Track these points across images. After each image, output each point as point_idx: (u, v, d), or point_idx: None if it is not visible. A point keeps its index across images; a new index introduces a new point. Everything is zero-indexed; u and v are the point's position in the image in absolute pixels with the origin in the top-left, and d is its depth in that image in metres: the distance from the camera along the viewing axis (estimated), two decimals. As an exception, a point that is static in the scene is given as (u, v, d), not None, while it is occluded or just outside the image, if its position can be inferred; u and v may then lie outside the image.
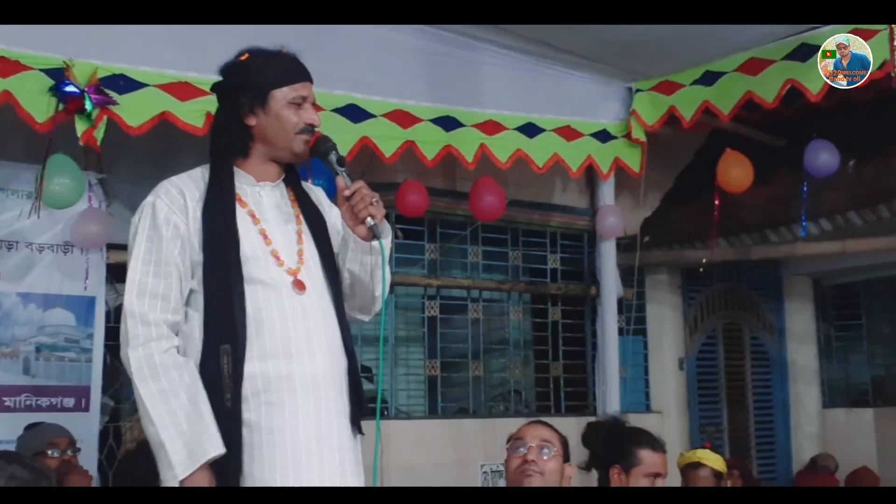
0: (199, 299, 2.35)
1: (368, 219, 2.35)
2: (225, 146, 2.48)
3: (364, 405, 2.48)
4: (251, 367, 2.31)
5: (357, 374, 2.47)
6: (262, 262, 2.37)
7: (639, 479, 3.35)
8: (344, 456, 2.37)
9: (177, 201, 2.39)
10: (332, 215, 2.57)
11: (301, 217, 2.49)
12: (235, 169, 2.47)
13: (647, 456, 3.36)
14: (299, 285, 2.38)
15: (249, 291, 2.34)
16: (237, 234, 2.36)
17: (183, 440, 2.20)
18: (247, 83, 2.47)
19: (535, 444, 3.09)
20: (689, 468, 4.01)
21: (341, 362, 2.42)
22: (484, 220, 5.43)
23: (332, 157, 2.41)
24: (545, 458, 3.08)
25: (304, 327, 2.36)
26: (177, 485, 2.18)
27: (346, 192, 2.39)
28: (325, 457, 2.33)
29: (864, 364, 7.55)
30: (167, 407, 2.22)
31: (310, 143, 2.45)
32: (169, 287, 2.32)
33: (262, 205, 2.46)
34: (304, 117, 2.45)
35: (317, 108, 2.52)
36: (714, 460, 4.00)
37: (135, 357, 2.26)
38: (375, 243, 2.40)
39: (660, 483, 3.38)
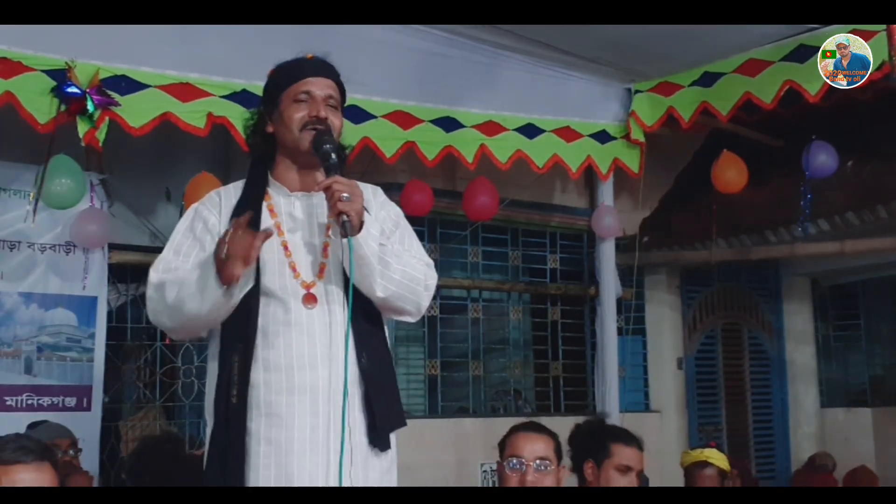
0: None
1: (343, 216, 2.28)
2: (254, 158, 2.53)
3: (385, 419, 2.42)
4: (256, 376, 2.35)
5: (377, 389, 2.41)
6: (276, 273, 2.39)
7: (608, 472, 3.40)
8: (355, 470, 2.34)
9: (212, 200, 2.52)
10: (381, 217, 2.53)
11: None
12: (271, 180, 2.50)
13: (617, 449, 3.43)
14: (310, 299, 2.39)
15: (262, 302, 2.38)
16: None
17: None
18: (266, 94, 2.54)
19: (532, 463, 3.08)
20: (694, 467, 4.01)
21: (353, 378, 2.37)
22: (478, 220, 5.45)
23: (324, 150, 2.38)
24: (542, 474, 3.08)
25: (309, 341, 2.37)
26: (219, 287, 2.29)
27: (316, 189, 2.37)
28: (323, 471, 2.31)
29: (863, 364, 7.56)
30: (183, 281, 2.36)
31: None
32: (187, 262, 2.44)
33: (294, 216, 2.46)
34: (309, 111, 2.43)
35: (331, 107, 2.48)
36: (720, 459, 4.01)
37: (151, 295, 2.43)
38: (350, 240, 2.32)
39: (631, 477, 3.41)
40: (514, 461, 3.10)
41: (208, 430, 2.44)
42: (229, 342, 2.39)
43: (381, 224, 2.51)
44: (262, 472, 2.31)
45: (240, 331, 2.37)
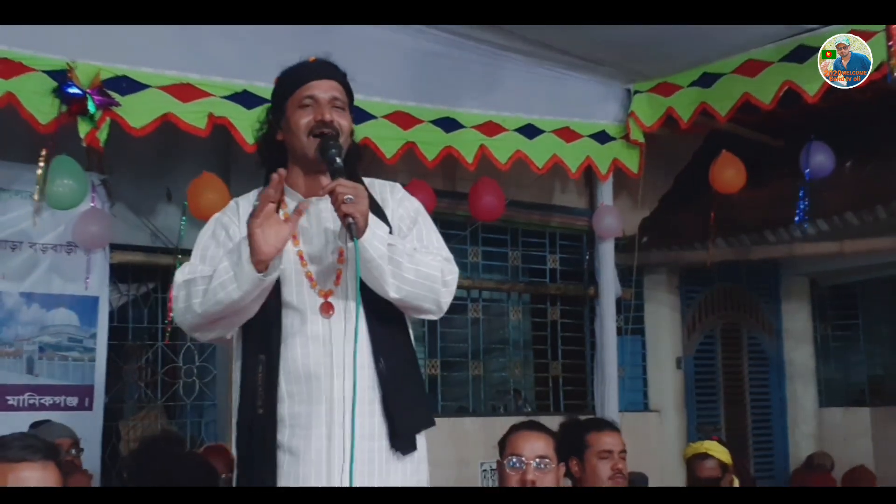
0: None
1: (348, 218, 2.24)
2: (266, 167, 2.49)
3: (405, 423, 2.41)
4: (280, 389, 2.35)
5: (397, 393, 2.39)
6: (293, 284, 2.39)
7: (592, 462, 3.44)
8: (372, 478, 2.33)
9: (232, 209, 2.53)
10: (398, 215, 2.50)
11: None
12: (286, 187, 2.44)
13: (593, 438, 3.48)
14: (327, 308, 2.38)
15: (283, 313, 2.38)
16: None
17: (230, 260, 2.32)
18: (272, 102, 2.52)
19: (533, 461, 3.07)
20: (695, 459, 4.08)
21: (371, 384, 2.36)
22: (483, 221, 5.46)
23: (330, 155, 2.35)
24: (542, 472, 3.09)
25: (325, 351, 2.36)
26: (255, 272, 2.25)
27: (321, 192, 2.35)
28: (338, 480, 2.29)
29: (862, 364, 7.57)
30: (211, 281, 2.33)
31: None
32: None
33: (309, 223, 2.43)
34: (314, 115, 2.40)
35: (337, 108, 2.45)
36: (720, 452, 4.07)
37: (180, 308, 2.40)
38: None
39: (615, 459, 3.44)
40: (514, 460, 3.10)
41: (233, 439, 2.45)
42: (252, 352, 2.39)
43: (398, 222, 2.49)
44: (284, 483, 2.32)
45: (262, 341, 2.37)
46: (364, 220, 2.27)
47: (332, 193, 2.28)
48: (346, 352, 2.34)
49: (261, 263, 2.25)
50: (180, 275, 2.42)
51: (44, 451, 2.16)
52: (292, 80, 2.48)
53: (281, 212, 2.41)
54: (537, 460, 3.08)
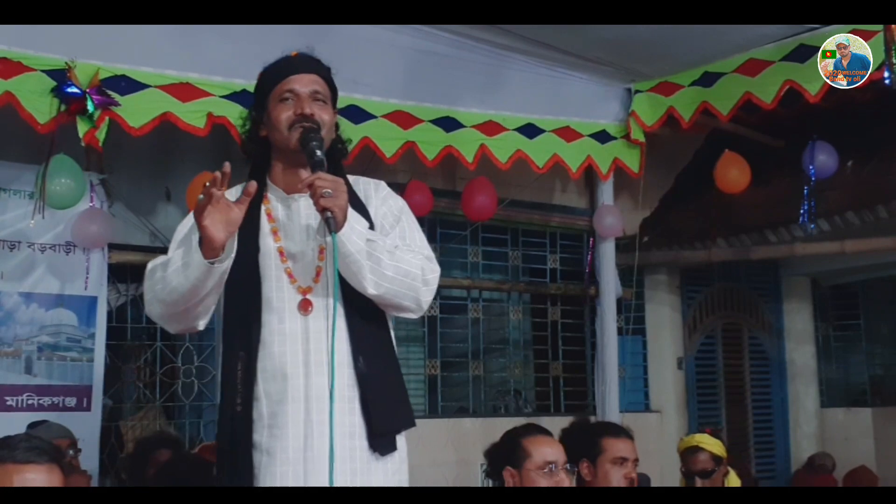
0: (220, 307, 2.42)
1: (326, 212, 2.23)
2: (251, 163, 2.50)
3: (384, 422, 2.39)
4: (258, 388, 2.35)
5: (376, 392, 2.38)
6: (273, 280, 2.38)
7: (604, 467, 3.44)
8: (354, 477, 2.32)
9: None
10: (381, 213, 2.49)
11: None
12: (269, 183, 2.46)
13: (608, 444, 3.46)
14: (305, 305, 2.38)
15: (263, 310, 2.38)
16: (257, 251, 2.39)
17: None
18: (255, 98, 2.52)
19: (562, 467, 3.10)
20: (687, 452, 4.08)
21: (350, 382, 2.36)
22: (477, 220, 5.45)
23: (310, 147, 2.34)
24: (569, 476, 3.11)
25: (304, 350, 2.35)
26: (204, 259, 2.24)
27: (300, 187, 2.33)
28: (316, 479, 2.28)
29: (863, 364, 7.57)
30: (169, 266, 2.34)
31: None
32: None
33: (291, 219, 2.42)
34: (294, 109, 2.40)
35: (319, 101, 2.44)
36: (712, 444, 4.07)
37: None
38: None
39: (628, 467, 3.43)
40: (547, 466, 3.08)
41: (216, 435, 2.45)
42: (232, 350, 2.39)
43: (381, 219, 2.48)
44: (262, 484, 2.31)
45: (242, 339, 2.37)
46: (342, 215, 2.26)
47: (310, 187, 2.26)
48: (324, 349, 2.33)
49: (213, 251, 2.23)
50: (150, 264, 2.43)
51: (49, 454, 2.16)
52: (273, 75, 2.47)
53: (263, 207, 2.42)
54: (566, 465, 3.10)
